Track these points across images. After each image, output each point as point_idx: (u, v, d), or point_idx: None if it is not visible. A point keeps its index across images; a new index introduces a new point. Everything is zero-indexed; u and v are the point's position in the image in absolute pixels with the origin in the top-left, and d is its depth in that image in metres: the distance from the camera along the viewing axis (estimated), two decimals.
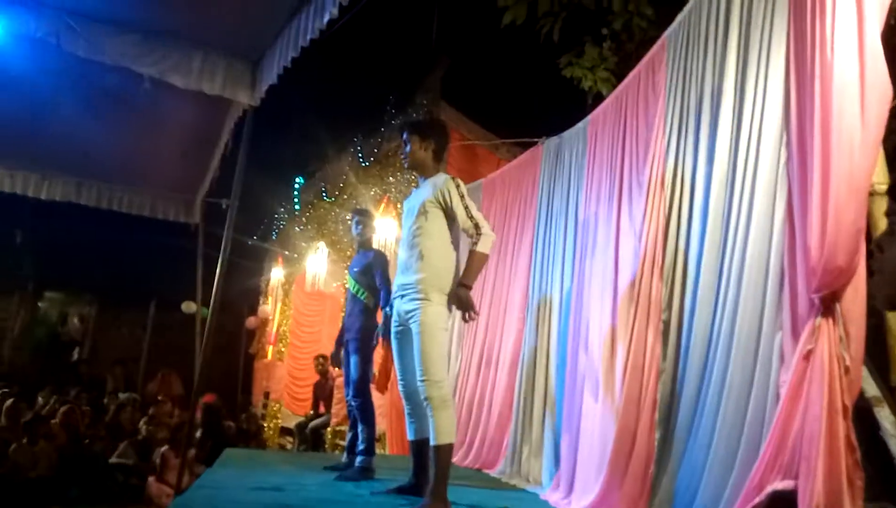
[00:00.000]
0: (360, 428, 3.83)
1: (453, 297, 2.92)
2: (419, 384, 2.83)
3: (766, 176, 2.43)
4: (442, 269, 2.94)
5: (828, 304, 1.97)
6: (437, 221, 2.97)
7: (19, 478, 6.00)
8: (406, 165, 3.22)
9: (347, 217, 4.40)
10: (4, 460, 6.04)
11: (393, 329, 3.10)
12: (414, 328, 2.88)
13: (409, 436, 3.14)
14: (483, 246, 2.93)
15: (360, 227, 4.13)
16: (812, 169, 2.07)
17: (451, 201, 2.96)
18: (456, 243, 3.07)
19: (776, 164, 2.38)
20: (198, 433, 6.83)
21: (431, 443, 2.80)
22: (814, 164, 2.06)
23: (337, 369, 4.45)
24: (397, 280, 3.06)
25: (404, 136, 3.17)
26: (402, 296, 2.98)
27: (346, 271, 4.24)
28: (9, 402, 6.95)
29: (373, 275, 3.92)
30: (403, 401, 3.11)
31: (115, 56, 4.15)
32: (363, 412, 3.85)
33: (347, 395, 4.01)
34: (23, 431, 6.26)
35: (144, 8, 4.06)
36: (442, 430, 2.76)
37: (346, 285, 4.15)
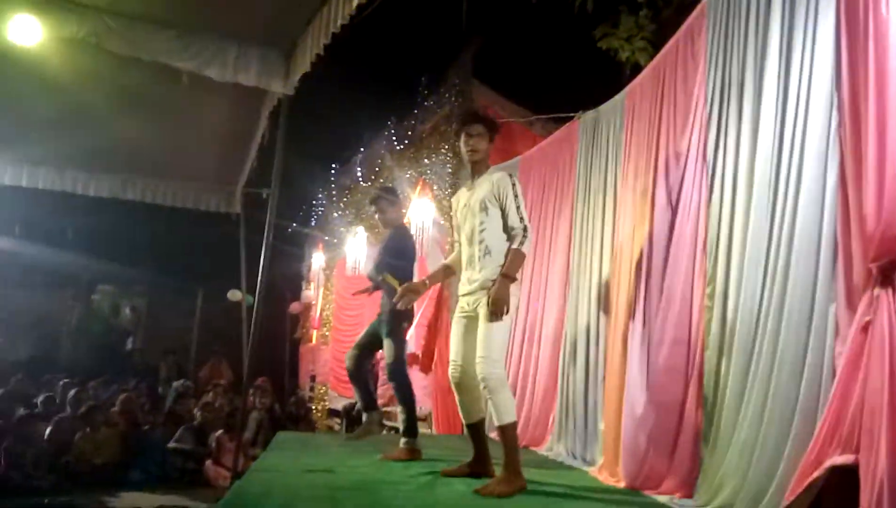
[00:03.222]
0: (399, 409, 3.85)
1: (491, 291, 2.96)
2: (478, 361, 2.92)
3: (817, 142, 2.34)
4: (505, 260, 3.03)
5: (887, 273, 1.90)
6: (498, 216, 3.05)
7: (85, 464, 6.30)
8: (470, 159, 3.18)
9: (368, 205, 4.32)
10: (71, 447, 6.34)
11: (457, 316, 3.20)
12: (481, 311, 2.99)
13: (464, 420, 3.22)
14: (527, 247, 3.02)
15: (379, 213, 4.08)
16: (867, 134, 1.98)
17: (505, 199, 3.03)
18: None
19: (827, 129, 2.29)
20: (254, 415, 7.03)
21: (496, 424, 2.91)
22: (869, 128, 1.97)
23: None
24: (464, 275, 3.17)
25: (470, 126, 3.15)
26: (470, 289, 3.08)
27: None
28: (72, 392, 7.28)
29: (389, 254, 3.88)
30: (454, 389, 3.17)
31: (153, 52, 4.24)
32: (401, 393, 3.85)
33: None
34: (82, 420, 6.55)
35: (178, 5, 4.12)
36: (502, 410, 2.88)
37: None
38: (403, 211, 4.42)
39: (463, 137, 3.16)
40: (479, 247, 3.05)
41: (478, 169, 3.19)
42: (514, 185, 3.05)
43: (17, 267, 12.06)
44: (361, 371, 4.03)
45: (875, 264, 1.93)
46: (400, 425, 3.83)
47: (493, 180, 3.09)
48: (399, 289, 3.39)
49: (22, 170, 6.84)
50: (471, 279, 3.09)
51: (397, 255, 3.90)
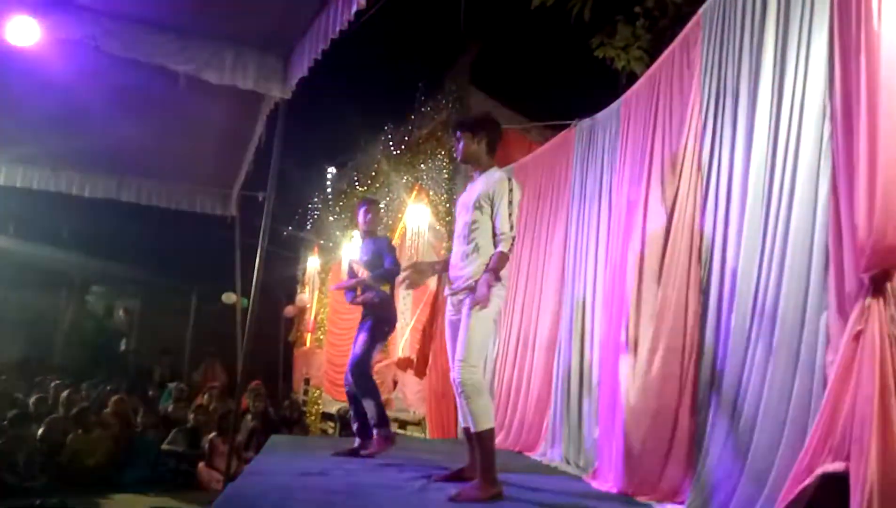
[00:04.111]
0: (366, 405, 3.84)
1: (477, 285, 2.89)
2: (455, 364, 2.93)
3: (809, 153, 2.38)
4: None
5: (878, 283, 1.93)
6: (490, 215, 3.01)
7: (78, 466, 6.27)
8: (460, 161, 3.25)
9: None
10: (64, 448, 6.31)
11: (448, 318, 3.19)
12: (464, 311, 2.97)
13: (462, 423, 3.19)
14: (506, 246, 2.94)
15: (369, 215, 4.13)
16: (858, 145, 2.01)
17: (499, 201, 2.98)
18: None
19: (819, 140, 2.32)
20: (248, 418, 7.01)
21: (472, 430, 2.89)
22: (860, 140, 2.00)
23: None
24: (451, 272, 3.13)
25: (457, 134, 3.20)
26: (455, 287, 3.07)
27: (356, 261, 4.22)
28: (64, 393, 7.24)
29: (383, 260, 3.93)
30: (456, 393, 3.14)
31: (151, 55, 4.23)
32: (363, 387, 3.84)
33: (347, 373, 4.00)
34: (74, 422, 6.52)
35: (177, 8, 4.13)
36: (479, 416, 2.86)
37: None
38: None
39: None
40: (469, 245, 3.02)
41: (475, 167, 3.19)
42: (510, 190, 3.00)
43: (11, 267, 12.00)
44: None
45: (867, 274, 1.95)
46: (370, 419, 3.81)
47: (490, 181, 3.07)
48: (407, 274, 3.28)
49: (17, 170, 6.82)
50: (456, 277, 3.07)
51: (394, 262, 3.95)
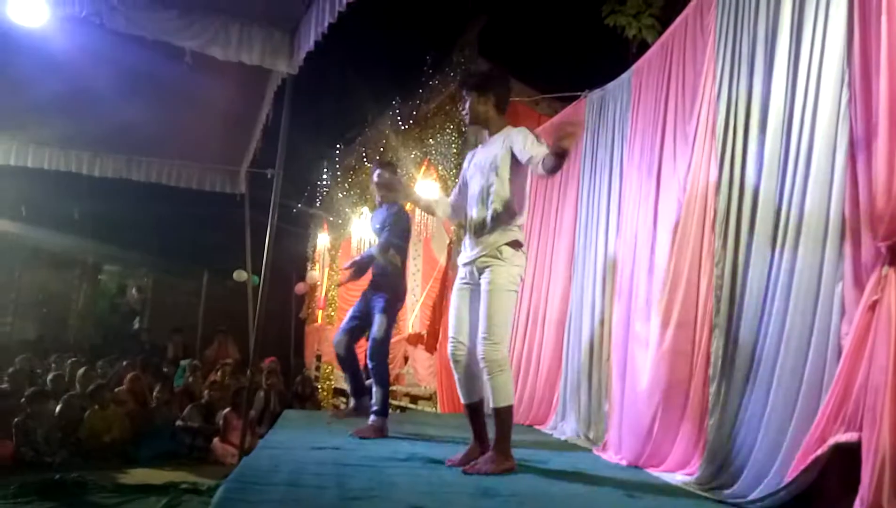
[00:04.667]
0: (374, 390, 3.76)
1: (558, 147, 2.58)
2: (479, 341, 2.84)
3: (826, 120, 2.32)
4: (514, 226, 2.89)
5: (895, 252, 1.89)
6: (509, 177, 2.86)
7: (95, 441, 6.38)
8: (469, 123, 3.07)
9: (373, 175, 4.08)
10: (81, 424, 6.42)
11: (458, 285, 3.05)
12: (483, 285, 2.87)
13: (462, 400, 3.08)
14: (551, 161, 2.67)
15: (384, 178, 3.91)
16: (877, 111, 1.96)
17: (522, 143, 2.78)
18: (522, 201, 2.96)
19: (837, 107, 2.26)
20: (261, 394, 7.09)
21: (491, 405, 2.84)
22: (879, 105, 1.95)
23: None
24: (467, 240, 3.00)
25: (463, 93, 3.05)
26: (474, 254, 2.92)
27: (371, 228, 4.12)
28: (81, 371, 7.35)
29: (395, 234, 3.83)
30: (452, 365, 3.02)
31: (156, 31, 4.21)
32: (378, 373, 3.76)
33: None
34: (91, 398, 6.63)
35: None
36: (500, 393, 2.81)
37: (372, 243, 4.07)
38: None
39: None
40: (488, 210, 2.87)
41: (490, 129, 3.02)
42: (530, 130, 2.84)
43: (24, 248, 12.12)
44: (352, 357, 4.02)
45: (885, 243, 1.92)
46: (374, 405, 3.76)
47: (507, 135, 2.91)
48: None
49: (27, 150, 6.86)
50: (476, 244, 2.92)
51: (401, 235, 3.90)
